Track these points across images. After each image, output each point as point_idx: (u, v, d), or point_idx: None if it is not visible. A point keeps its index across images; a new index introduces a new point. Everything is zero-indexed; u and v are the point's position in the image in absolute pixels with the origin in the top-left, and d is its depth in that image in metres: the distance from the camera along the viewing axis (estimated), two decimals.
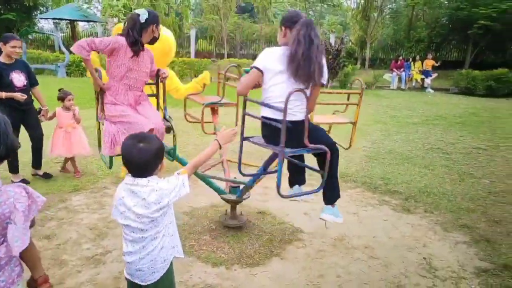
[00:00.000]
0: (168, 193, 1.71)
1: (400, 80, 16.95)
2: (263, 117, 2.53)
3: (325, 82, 2.50)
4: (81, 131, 4.81)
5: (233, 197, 3.37)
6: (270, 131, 2.49)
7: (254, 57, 23.47)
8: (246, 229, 3.48)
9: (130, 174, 1.73)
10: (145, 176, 1.70)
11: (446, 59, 23.98)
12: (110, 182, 4.56)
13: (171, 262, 1.83)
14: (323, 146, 2.46)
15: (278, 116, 2.38)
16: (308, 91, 2.40)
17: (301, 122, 2.41)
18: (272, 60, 2.45)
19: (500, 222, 3.78)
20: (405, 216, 3.93)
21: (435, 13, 23.07)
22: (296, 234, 3.49)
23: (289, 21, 2.49)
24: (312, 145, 2.42)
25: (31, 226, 1.54)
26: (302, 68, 2.34)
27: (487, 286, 2.77)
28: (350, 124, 3.40)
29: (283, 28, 2.56)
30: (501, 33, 20.05)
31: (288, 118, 2.31)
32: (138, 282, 1.78)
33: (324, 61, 2.47)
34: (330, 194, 2.77)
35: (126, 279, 1.84)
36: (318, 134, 2.59)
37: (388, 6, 27.79)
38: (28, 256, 1.57)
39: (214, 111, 3.96)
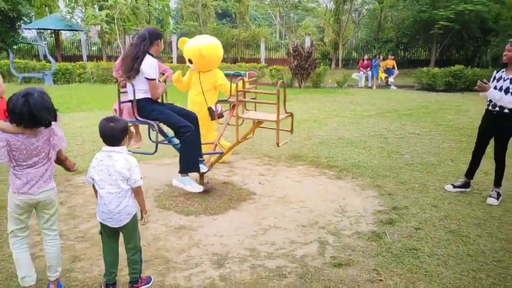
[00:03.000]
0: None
1: (367, 78, 18.32)
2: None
3: (148, 77, 3.83)
4: None
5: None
6: None
7: (234, 61, 24.67)
8: (212, 193, 4.61)
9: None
10: (116, 145, 2.62)
11: (414, 57, 25.63)
12: None
13: None
14: (150, 122, 3.98)
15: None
16: (134, 82, 3.82)
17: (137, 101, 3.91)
18: None
19: (405, 182, 5.01)
20: (336, 181, 5.13)
21: (401, 15, 24.63)
22: (250, 195, 4.65)
23: None
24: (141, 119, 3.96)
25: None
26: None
27: (378, 219, 3.96)
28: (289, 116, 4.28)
29: None
30: (460, 32, 21.69)
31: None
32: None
33: (136, 63, 3.76)
34: (183, 164, 4.06)
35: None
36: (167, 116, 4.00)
37: (366, 7, 29.37)
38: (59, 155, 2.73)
39: None
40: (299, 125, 8.25)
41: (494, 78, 4.35)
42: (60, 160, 2.81)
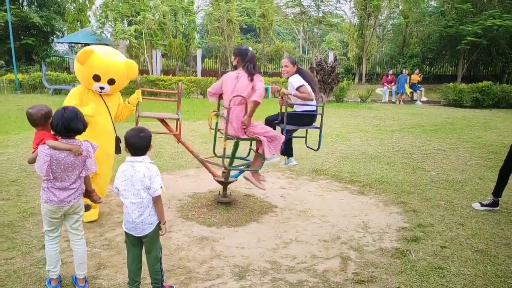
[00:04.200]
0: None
1: (391, 94, 18.11)
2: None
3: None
4: None
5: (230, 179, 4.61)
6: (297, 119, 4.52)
7: None
8: (234, 205, 4.64)
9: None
10: (140, 155, 2.70)
11: (440, 73, 25.20)
12: None
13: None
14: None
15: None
16: None
17: None
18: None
19: (430, 199, 4.90)
20: (359, 197, 5.07)
21: (427, 30, 24.34)
22: (272, 208, 4.65)
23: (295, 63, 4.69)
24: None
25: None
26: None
27: (402, 236, 3.89)
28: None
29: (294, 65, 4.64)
30: (488, 48, 21.26)
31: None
32: None
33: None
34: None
35: None
36: None
37: (390, 22, 29.21)
38: (85, 179, 2.92)
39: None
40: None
41: None
42: (88, 191, 3.03)
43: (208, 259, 3.40)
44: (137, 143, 2.66)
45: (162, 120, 4.52)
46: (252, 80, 3.90)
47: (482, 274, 3.19)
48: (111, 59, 3.96)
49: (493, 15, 18.80)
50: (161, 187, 2.68)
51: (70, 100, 3.85)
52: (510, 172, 4.51)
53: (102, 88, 3.91)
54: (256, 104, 3.86)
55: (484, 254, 3.53)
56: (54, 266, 2.89)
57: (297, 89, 4.48)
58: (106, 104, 4.06)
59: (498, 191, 4.58)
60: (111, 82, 3.92)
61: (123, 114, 4.37)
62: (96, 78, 3.84)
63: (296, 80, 4.52)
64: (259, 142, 4.11)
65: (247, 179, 4.42)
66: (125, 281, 2.96)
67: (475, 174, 6.07)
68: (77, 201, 2.86)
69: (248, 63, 3.95)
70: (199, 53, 26.19)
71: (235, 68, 4.13)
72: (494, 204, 4.59)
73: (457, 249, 3.62)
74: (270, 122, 4.72)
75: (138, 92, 4.22)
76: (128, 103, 4.28)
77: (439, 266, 3.29)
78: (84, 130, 2.84)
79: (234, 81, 3.97)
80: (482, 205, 4.62)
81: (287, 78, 4.70)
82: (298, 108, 4.66)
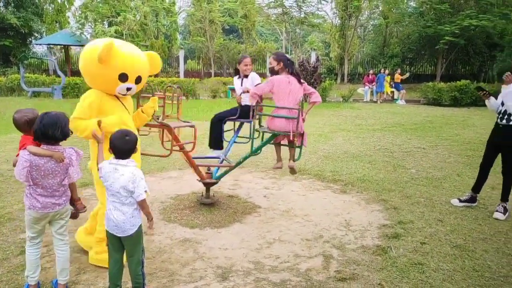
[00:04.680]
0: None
1: (372, 93, 18.37)
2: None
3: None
4: None
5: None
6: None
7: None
8: (217, 206, 4.63)
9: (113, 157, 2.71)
10: (125, 158, 2.68)
11: (420, 72, 25.65)
12: None
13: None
14: None
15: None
16: None
17: None
18: None
19: (410, 197, 4.99)
20: (341, 195, 5.12)
21: (406, 30, 24.72)
22: (255, 208, 4.66)
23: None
24: None
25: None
26: None
27: (383, 233, 3.94)
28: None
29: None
30: (466, 48, 21.75)
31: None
32: None
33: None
34: None
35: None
36: None
37: (371, 23, 29.57)
38: (71, 186, 2.87)
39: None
40: None
41: None
42: (73, 199, 2.98)
43: (191, 261, 3.38)
44: (123, 147, 2.64)
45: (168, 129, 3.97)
46: (302, 83, 4.14)
47: (460, 268, 3.26)
48: (134, 52, 3.15)
49: (469, 15, 19.24)
50: (146, 191, 2.67)
51: (84, 111, 3.09)
52: (489, 168, 4.63)
53: (129, 89, 3.15)
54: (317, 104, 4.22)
55: (462, 249, 3.61)
56: (34, 271, 2.84)
57: (256, 85, 4.55)
58: (125, 106, 3.28)
59: (477, 187, 4.69)
60: (138, 80, 3.20)
61: (135, 123, 3.48)
62: (123, 77, 3.05)
63: (255, 77, 4.80)
64: (299, 135, 4.16)
65: (292, 167, 4.34)
66: (105, 286, 2.92)
67: (454, 171, 6.21)
68: (62, 207, 2.82)
69: (294, 68, 4.21)
70: (181, 54, 26.00)
71: (276, 72, 4.22)
72: (472, 200, 4.70)
73: (436, 245, 3.69)
74: (221, 118, 4.84)
75: (154, 100, 3.55)
76: (142, 112, 3.56)
77: (419, 262, 3.36)
78: (64, 139, 2.73)
79: (288, 85, 4.08)
80: (460, 201, 4.72)
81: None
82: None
